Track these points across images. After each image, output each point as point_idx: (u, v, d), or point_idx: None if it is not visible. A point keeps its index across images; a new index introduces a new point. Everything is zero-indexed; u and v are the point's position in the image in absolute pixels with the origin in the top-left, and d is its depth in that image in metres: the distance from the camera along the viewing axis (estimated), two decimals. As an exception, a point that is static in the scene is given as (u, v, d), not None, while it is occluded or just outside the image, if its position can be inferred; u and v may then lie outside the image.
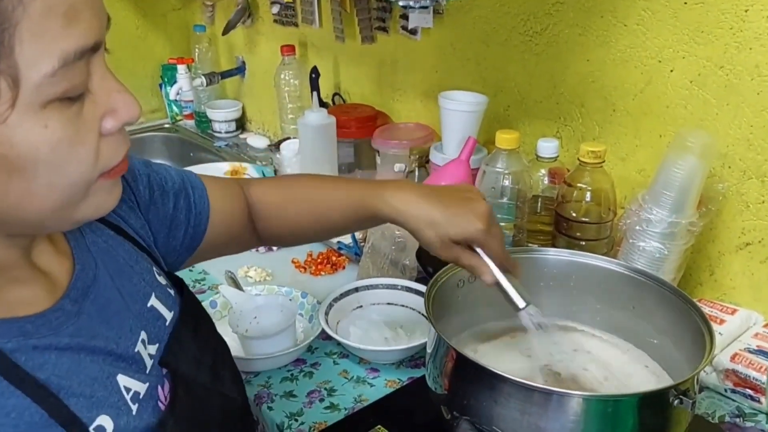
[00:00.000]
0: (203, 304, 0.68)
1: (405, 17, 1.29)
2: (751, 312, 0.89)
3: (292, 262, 1.17)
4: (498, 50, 1.15)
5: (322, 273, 1.14)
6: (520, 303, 0.67)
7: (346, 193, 0.72)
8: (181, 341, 0.58)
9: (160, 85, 2.01)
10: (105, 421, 0.46)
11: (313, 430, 0.79)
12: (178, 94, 1.89)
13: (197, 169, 1.57)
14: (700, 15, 0.86)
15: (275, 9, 1.62)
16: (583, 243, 0.91)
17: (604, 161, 0.90)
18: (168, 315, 0.59)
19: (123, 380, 0.49)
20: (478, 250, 0.66)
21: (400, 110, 1.42)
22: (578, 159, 0.90)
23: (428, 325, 0.69)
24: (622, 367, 0.77)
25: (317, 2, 1.51)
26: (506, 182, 0.98)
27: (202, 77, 1.75)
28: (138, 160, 0.65)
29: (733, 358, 0.81)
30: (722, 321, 0.87)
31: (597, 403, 0.60)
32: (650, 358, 0.78)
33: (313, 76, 1.48)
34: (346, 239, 1.18)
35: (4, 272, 0.47)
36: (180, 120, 2.00)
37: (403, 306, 0.99)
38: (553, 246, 0.94)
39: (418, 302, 0.97)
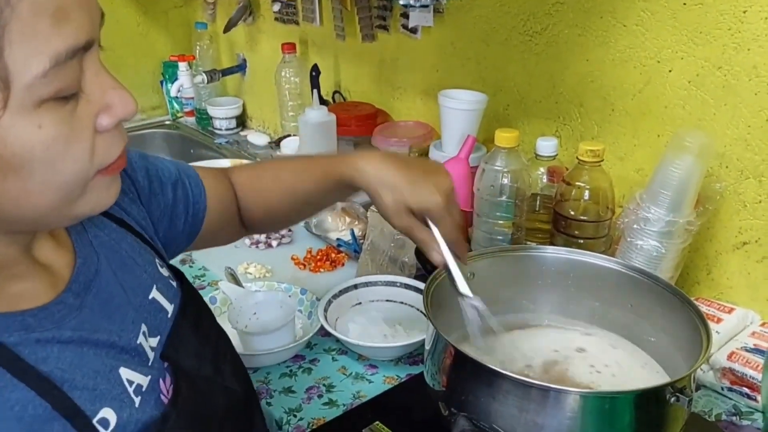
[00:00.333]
0: (203, 299, 0.69)
1: (405, 16, 1.29)
2: (748, 311, 0.90)
3: (292, 258, 1.18)
4: (498, 50, 1.15)
5: (322, 270, 1.15)
6: (465, 290, 0.67)
7: (313, 164, 0.73)
8: (182, 334, 0.58)
9: (161, 82, 2.01)
10: (108, 413, 0.46)
11: (312, 425, 0.79)
12: (179, 91, 1.89)
13: (194, 165, 1.58)
14: (699, 16, 0.86)
15: (276, 7, 1.62)
16: (582, 241, 0.92)
17: (602, 160, 0.90)
18: (169, 307, 0.59)
19: (125, 373, 0.49)
20: (432, 227, 0.65)
21: (400, 108, 1.42)
22: (577, 158, 0.90)
23: (427, 322, 0.70)
24: (619, 364, 0.77)
25: (318, 0, 1.51)
26: (505, 180, 0.98)
27: (203, 74, 1.76)
28: (134, 152, 0.66)
29: (729, 356, 0.81)
30: (719, 320, 0.87)
31: (594, 400, 0.60)
32: (647, 356, 0.78)
33: (314, 73, 1.48)
34: (346, 236, 1.19)
35: (5, 269, 0.47)
36: (181, 117, 2.00)
37: (401, 303, 1.00)
38: (552, 244, 0.94)
39: (417, 299, 0.98)
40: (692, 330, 0.68)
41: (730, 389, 0.81)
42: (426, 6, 1.00)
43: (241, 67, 1.87)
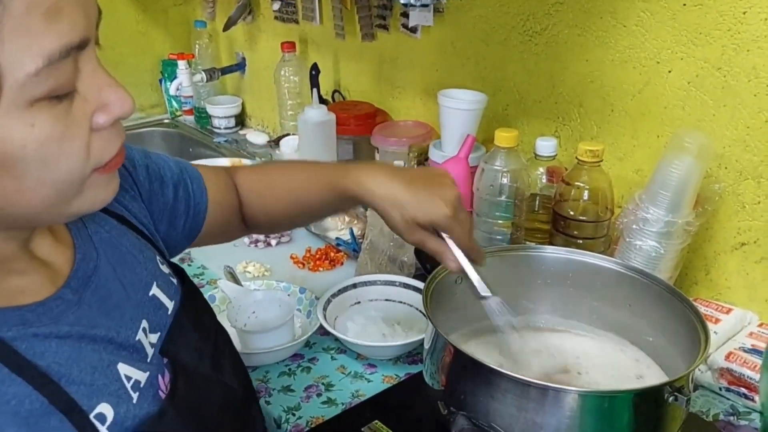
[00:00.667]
0: (203, 298, 0.69)
1: (405, 15, 1.29)
2: (746, 311, 0.90)
3: (291, 257, 1.18)
4: (498, 49, 1.15)
5: (321, 269, 1.15)
6: (484, 292, 0.68)
7: (318, 174, 0.73)
8: (182, 331, 0.58)
9: (160, 81, 2.01)
10: (105, 408, 0.46)
11: (311, 424, 0.80)
12: (178, 89, 1.89)
13: (196, 164, 1.58)
14: (699, 17, 0.87)
15: (276, 6, 1.62)
16: (581, 241, 0.92)
17: (601, 160, 0.90)
18: (169, 304, 0.59)
19: (123, 369, 0.49)
20: (445, 236, 0.66)
21: (399, 108, 1.42)
22: (576, 158, 0.91)
23: (425, 322, 0.70)
24: (617, 363, 0.78)
25: (318, -1, 1.51)
26: (505, 180, 0.98)
27: (202, 73, 1.75)
28: (136, 150, 0.66)
29: (727, 356, 0.81)
30: (717, 320, 0.87)
31: (593, 399, 0.60)
32: (646, 356, 0.78)
33: (313, 72, 1.48)
34: (345, 235, 1.19)
35: (4, 264, 0.47)
36: (180, 115, 2.00)
37: (400, 302, 1.00)
38: (551, 244, 0.94)
39: (416, 299, 0.98)
40: (690, 330, 0.69)
41: (727, 389, 0.82)
42: (426, 5, 1.00)
43: (240, 66, 1.87)
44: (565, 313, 0.84)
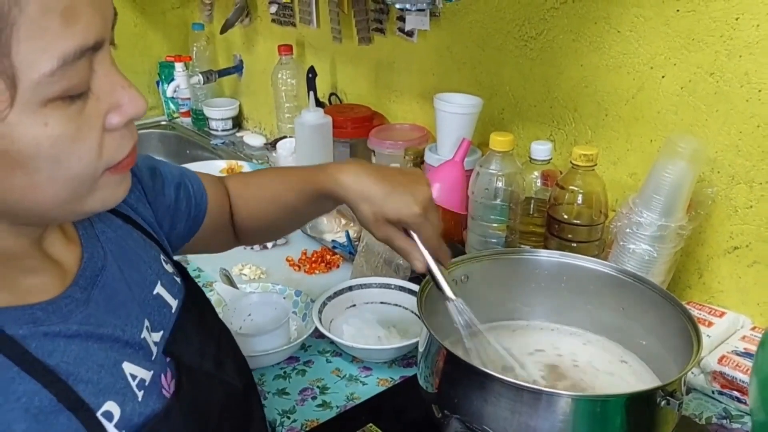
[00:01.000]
0: (198, 300, 0.69)
1: (402, 19, 1.30)
2: (739, 315, 0.91)
3: (287, 260, 1.18)
4: (493, 54, 1.16)
5: (316, 271, 1.15)
6: (450, 294, 0.68)
7: (297, 175, 0.74)
8: (186, 329, 0.59)
9: (158, 83, 2.01)
10: (112, 407, 0.47)
11: (306, 427, 0.80)
12: (175, 91, 1.89)
13: (193, 166, 1.56)
14: (692, 23, 0.87)
15: (273, 9, 1.62)
16: (575, 245, 0.92)
17: (596, 164, 0.91)
18: (173, 303, 0.59)
19: (129, 367, 0.50)
20: (414, 235, 0.67)
21: (396, 111, 1.43)
22: (571, 162, 0.91)
23: (421, 325, 0.70)
24: (610, 367, 0.78)
25: (315, 3, 1.51)
26: (499, 184, 0.99)
27: (200, 75, 1.76)
28: (139, 154, 0.67)
29: (720, 360, 0.82)
30: (710, 323, 0.88)
31: (586, 403, 0.61)
32: (638, 359, 0.79)
33: (310, 75, 1.49)
34: (341, 238, 1.19)
35: (17, 261, 0.48)
36: (177, 117, 2.00)
37: (396, 305, 1.00)
38: (545, 247, 0.95)
39: (411, 302, 0.98)
40: (683, 334, 0.69)
41: (720, 393, 0.82)
42: (422, 10, 1.00)
43: (237, 69, 1.87)
44: (559, 316, 0.84)
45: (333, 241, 1.20)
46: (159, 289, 0.58)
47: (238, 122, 1.91)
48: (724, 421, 0.80)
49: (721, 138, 0.88)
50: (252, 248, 1.22)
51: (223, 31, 1.75)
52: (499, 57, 1.15)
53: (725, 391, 0.82)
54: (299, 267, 1.16)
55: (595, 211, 0.92)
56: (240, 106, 1.91)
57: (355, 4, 1.38)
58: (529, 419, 0.60)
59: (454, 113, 1.09)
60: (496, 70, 1.16)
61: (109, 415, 0.47)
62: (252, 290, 1.02)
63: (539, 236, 1.00)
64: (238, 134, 1.87)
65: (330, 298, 0.98)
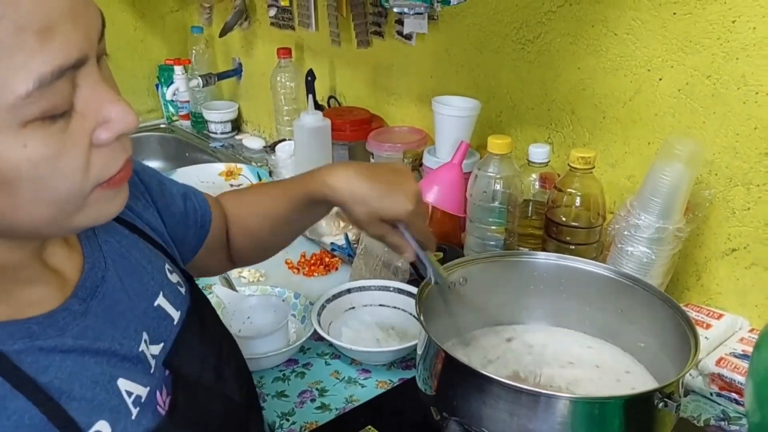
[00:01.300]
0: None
1: (400, 22, 1.30)
2: (737, 317, 0.91)
3: (286, 263, 1.18)
4: (491, 57, 1.16)
5: (315, 274, 1.15)
6: (439, 279, 0.72)
7: (288, 184, 0.74)
8: (188, 341, 0.58)
9: (157, 86, 2.01)
10: (103, 426, 0.46)
11: (305, 429, 0.80)
12: (174, 94, 1.90)
13: (193, 169, 1.59)
14: (689, 25, 0.88)
15: (272, 12, 1.63)
16: (573, 247, 0.93)
17: (593, 167, 0.91)
18: (175, 315, 0.58)
19: (124, 384, 0.49)
20: (400, 227, 0.68)
21: (394, 114, 1.43)
22: (568, 164, 0.91)
23: (419, 327, 0.70)
24: (608, 369, 0.78)
25: (314, 6, 1.52)
26: (498, 186, 0.99)
27: (199, 78, 1.76)
28: (145, 165, 0.67)
29: (718, 362, 0.82)
30: (708, 325, 0.88)
31: (584, 405, 0.61)
32: (637, 361, 0.79)
33: (309, 78, 1.49)
34: (340, 240, 1.19)
35: (14, 273, 0.47)
36: (176, 120, 2.01)
37: (395, 308, 1.00)
38: (543, 250, 0.95)
39: (410, 304, 0.98)
40: (681, 336, 0.69)
41: (718, 395, 0.82)
42: (420, 13, 1.01)
43: (236, 72, 1.88)
44: (557, 318, 0.85)
45: (332, 243, 1.20)
46: (160, 301, 0.57)
47: (237, 125, 1.91)
48: (723, 423, 0.80)
49: (719, 140, 0.88)
50: (251, 251, 1.22)
51: (222, 34, 1.76)
52: (497, 60, 1.15)
53: (723, 392, 0.82)
54: (298, 269, 1.17)
55: (593, 214, 0.92)
56: (239, 109, 1.92)
57: (353, 8, 1.39)
58: (527, 421, 0.60)
59: (452, 116, 1.10)
60: (493, 73, 1.17)
61: None
62: (251, 293, 1.02)
63: (537, 239, 1.00)
64: (237, 137, 1.88)
65: (329, 301, 0.98)
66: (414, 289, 0.99)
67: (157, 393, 0.52)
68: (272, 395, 0.86)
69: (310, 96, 1.40)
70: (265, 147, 1.75)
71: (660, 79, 0.93)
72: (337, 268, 1.17)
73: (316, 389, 0.87)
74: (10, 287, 0.46)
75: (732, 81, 0.85)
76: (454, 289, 0.78)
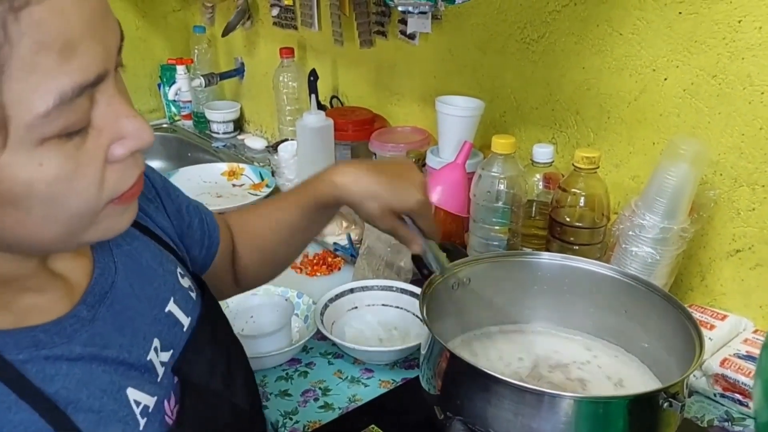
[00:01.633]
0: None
1: (403, 22, 1.30)
2: (741, 318, 0.91)
3: (289, 263, 1.18)
4: (495, 57, 1.16)
5: (318, 274, 1.15)
6: (443, 269, 0.73)
7: (292, 194, 0.74)
8: (198, 347, 0.57)
9: (159, 85, 2.01)
10: None
11: (308, 428, 0.80)
12: (176, 94, 1.90)
13: (195, 169, 1.59)
14: (694, 25, 0.87)
15: (275, 12, 1.63)
16: (577, 247, 0.92)
17: (598, 167, 0.91)
18: (186, 321, 0.57)
19: (133, 393, 0.48)
20: (407, 220, 0.70)
21: (397, 114, 1.43)
22: (573, 165, 0.91)
23: (422, 327, 0.70)
24: (612, 369, 0.78)
25: (316, 6, 1.52)
26: (501, 186, 0.99)
27: (201, 78, 1.76)
28: (155, 170, 0.66)
29: (722, 363, 0.82)
30: (712, 326, 0.88)
31: (588, 405, 0.61)
32: (641, 362, 0.79)
33: (312, 78, 1.49)
34: (342, 240, 1.19)
35: (20, 282, 0.46)
36: (178, 120, 2.01)
37: (397, 307, 1.00)
38: (547, 250, 0.95)
39: (413, 304, 0.98)
40: (685, 336, 0.69)
41: (722, 395, 0.82)
42: (424, 13, 1.01)
43: (239, 71, 1.88)
44: (561, 319, 0.84)
45: (335, 243, 1.20)
46: (171, 306, 0.56)
47: (239, 125, 1.91)
48: (726, 424, 0.80)
49: (724, 140, 0.88)
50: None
51: (225, 34, 1.76)
52: (501, 60, 1.15)
53: (727, 394, 0.81)
54: (301, 269, 1.16)
55: (597, 214, 0.92)
56: (241, 108, 1.92)
57: (356, 7, 1.39)
58: (531, 421, 0.60)
59: (456, 116, 1.10)
60: (497, 73, 1.17)
61: None
62: (254, 292, 1.02)
63: (541, 239, 1.00)
64: (240, 137, 1.88)
65: (332, 300, 0.98)
66: (417, 289, 0.99)
67: (165, 402, 0.51)
68: (275, 394, 0.86)
69: (313, 96, 1.40)
70: (267, 147, 1.75)
71: (665, 79, 0.93)
72: (339, 268, 1.17)
73: (319, 388, 0.87)
74: (16, 295, 0.45)
75: (737, 81, 0.85)
76: (458, 289, 0.78)
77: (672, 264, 0.89)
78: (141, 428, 0.48)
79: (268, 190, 1.48)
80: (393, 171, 0.69)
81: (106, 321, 0.49)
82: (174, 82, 1.89)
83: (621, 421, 0.61)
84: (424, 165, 1.18)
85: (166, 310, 0.55)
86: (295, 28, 1.62)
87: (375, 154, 1.29)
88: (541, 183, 1.00)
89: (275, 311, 0.95)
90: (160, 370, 0.52)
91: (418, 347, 0.86)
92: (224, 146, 1.82)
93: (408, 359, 0.92)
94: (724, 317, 0.90)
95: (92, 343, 0.47)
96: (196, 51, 1.91)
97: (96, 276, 0.50)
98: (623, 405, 0.61)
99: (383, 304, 1.01)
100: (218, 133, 1.87)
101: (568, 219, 0.92)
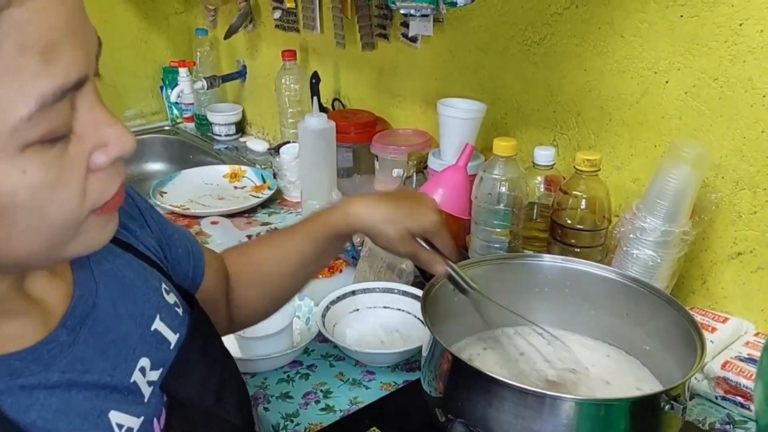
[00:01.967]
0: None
1: (405, 25, 1.30)
2: (743, 321, 0.90)
3: (290, 265, 1.18)
4: (496, 59, 1.16)
5: (320, 276, 1.15)
6: (473, 285, 0.72)
7: (303, 223, 0.73)
8: (187, 364, 0.56)
9: (161, 88, 2.02)
10: None
11: (309, 431, 0.80)
12: (178, 96, 1.90)
13: (197, 171, 1.60)
14: (696, 28, 0.87)
15: (277, 14, 1.63)
16: (578, 250, 0.92)
17: (599, 170, 0.91)
18: (173, 338, 0.56)
19: (116, 416, 0.47)
20: (423, 243, 0.70)
21: (399, 116, 1.43)
22: (574, 167, 0.91)
23: (423, 329, 0.70)
24: (614, 371, 0.78)
25: (318, 8, 1.52)
26: (503, 189, 0.99)
27: (203, 80, 1.76)
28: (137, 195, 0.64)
29: (724, 365, 0.82)
30: (714, 329, 0.88)
31: (589, 407, 0.61)
32: (642, 365, 0.79)
33: (314, 81, 1.49)
34: (344, 243, 1.19)
35: None
36: (180, 122, 2.01)
37: (399, 310, 1.00)
38: (548, 252, 0.95)
39: (415, 306, 0.98)
40: (687, 339, 0.69)
41: (724, 398, 0.82)
42: (426, 15, 1.01)
43: (241, 74, 1.88)
44: (563, 321, 0.84)
45: (336, 245, 1.20)
46: (157, 324, 0.55)
47: (241, 127, 1.92)
48: (728, 427, 0.80)
49: (726, 143, 0.88)
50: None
51: (227, 36, 1.76)
52: (503, 62, 1.15)
53: (729, 396, 0.81)
54: (302, 271, 1.16)
55: (598, 216, 0.92)
56: (243, 111, 1.92)
57: (358, 10, 1.39)
58: (532, 423, 0.60)
59: (458, 118, 1.10)
60: (499, 75, 1.17)
61: None
62: (255, 294, 1.02)
63: (542, 241, 1.00)
64: (242, 139, 1.88)
65: (333, 303, 0.98)
66: (418, 291, 0.99)
67: (154, 420, 0.50)
68: (276, 397, 0.86)
69: (315, 98, 1.40)
70: (269, 149, 1.75)
71: (667, 82, 0.93)
72: (341, 270, 1.17)
73: (321, 391, 0.87)
74: None
75: (739, 84, 0.85)
76: (458, 292, 0.78)
77: (673, 267, 0.89)
78: None
79: (270, 192, 1.48)
80: (404, 196, 0.71)
81: (87, 344, 0.48)
82: (176, 85, 1.89)
83: (622, 423, 0.61)
84: (425, 167, 1.18)
85: (152, 328, 0.54)
86: (297, 30, 1.63)
87: (377, 157, 1.29)
88: (542, 185, 1.00)
89: (276, 313, 0.95)
90: (147, 390, 0.51)
91: (419, 349, 0.86)
92: (226, 148, 1.82)
93: (409, 361, 0.92)
94: (725, 320, 0.90)
95: (72, 369, 0.45)
96: (198, 53, 1.91)
97: (76, 298, 0.49)
98: (625, 407, 0.61)
99: (385, 307, 1.01)
100: (220, 135, 1.87)
101: (569, 221, 0.92)
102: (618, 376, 0.77)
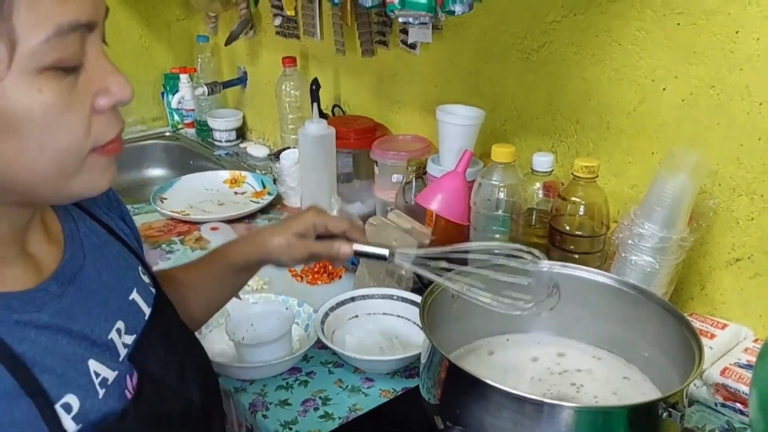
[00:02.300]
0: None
1: (405, 32, 1.31)
2: (741, 327, 0.91)
3: (289, 270, 1.18)
4: (495, 67, 1.17)
5: (319, 282, 1.15)
6: (386, 254, 0.72)
7: (217, 255, 0.79)
8: (152, 340, 0.60)
9: (162, 94, 2.02)
10: (72, 399, 0.49)
11: (308, 437, 0.80)
12: (179, 102, 1.90)
13: (198, 177, 1.60)
14: (693, 36, 0.88)
15: (277, 21, 1.64)
16: (576, 256, 0.93)
17: (597, 176, 0.91)
18: (147, 310, 0.62)
19: (94, 365, 0.52)
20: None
21: (398, 122, 1.44)
22: (572, 174, 0.92)
23: (423, 336, 0.70)
24: (612, 378, 0.78)
25: (319, 15, 1.53)
26: (501, 195, 0.99)
27: (204, 86, 1.77)
28: None
29: (723, 372, 0.82)
30: (712, 335, 0.88)
31: (587, 415, 0.61)
32: (640, 371, 0.79)
33: (314, 87, 1.50)
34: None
35: None
36: (181, 128, 2.01)
37: (398, 316, 1.00)
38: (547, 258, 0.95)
39: (414, 313, 0.98)
40: (685, 345, 0.69)
41: (723, 405, 0.82)
42: (425, 23, 1.01)
43: (241, 80, 1.89)
44: (561, 328, 0.84)
45: (336, 251, 1.20)
46: (135, 296, 0.60)
47: (241, 133, 1.92)
48: (727, 434, 0.80)
49: (723, 150, 0.88)
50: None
51: (228, 43, 1.77)
52: (502, 69, 1.16)
53: (728, 403, 0.81)
54: (302, 278, 1.17)
55: (596, 223, 0.92)
56: (244, 117, 1.92)
57: (358, 17, 1.40)
58: (530, 431, 0.60)
59: (457, 125, 1.10)
60: (498, 82, 1.17)
61: (68, 407, 0.49)
62: (255, 300, 1.02)
63: (541, 247, 0.99)
64: (242, 145, 1.88)
65: (332, 309, 0.98)
66: (417, 298, 0.99)
67: (127, 377, 0.55)
68: (275, 404, 0.86)
69: (315, 104, 1.40)
70: (269, 155, 1.75)
71: (664, 90, 0.93)
72: (340, 277, 1.17)
73: (320, 398, 0.87)
74: None
75: (736, 92, 0.85)
76: (458, 298, 0.78)
77: (671, 273, 0.90)
78: (100, 397, 0.52)
79: (270, 198, 1.49)
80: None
81: (74, 299, 0.53)
82: (177, 91, 1.89)
83: (621, 430, 0.61)
84: (424, 173, 1.18)
85: (130, 298, 0.60)
86: (298, 37, 1.63)
87: (376, 162, 1.29)
88: (540, 191, 1.00)
89: (276, 320, 0.96)
90: (122, 351, 0.56)
91: (418, 356, 0.86)
92: (226, 154, 1.83)
93: (408, 368, 0.92)
94: (724, 326, 0.90)
95: (59, 316, 0.51)
96: (199, 60, 1.92)
97: (66, 259, 0.55)
98: (623, 415, 0.61)
99: (384, 313, 1.01)
100: (221, 141, 1.88)
101: (567, 227, 0.93)
102: (616, 382, 0.77)
